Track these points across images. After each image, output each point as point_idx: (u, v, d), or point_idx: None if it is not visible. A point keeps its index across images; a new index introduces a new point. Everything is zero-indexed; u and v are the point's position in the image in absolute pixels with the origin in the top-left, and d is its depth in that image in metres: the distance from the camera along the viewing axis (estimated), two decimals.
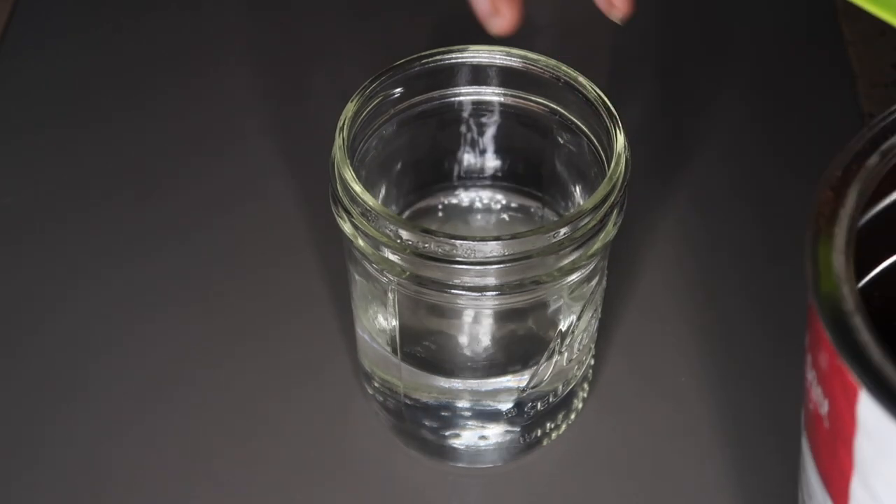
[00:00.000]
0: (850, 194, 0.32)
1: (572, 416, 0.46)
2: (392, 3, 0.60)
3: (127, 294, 0.50)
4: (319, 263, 0.51)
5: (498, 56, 0.43)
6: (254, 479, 0.45)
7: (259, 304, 0.50)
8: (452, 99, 0.44)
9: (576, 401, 0.46)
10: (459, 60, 0.43)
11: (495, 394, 0.44)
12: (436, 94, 0.44)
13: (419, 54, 0.43)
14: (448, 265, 0.38)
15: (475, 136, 0.45)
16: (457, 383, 0.43)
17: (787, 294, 0.49)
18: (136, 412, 0.47)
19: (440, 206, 0.47)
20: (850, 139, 0.34)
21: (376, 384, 0.45)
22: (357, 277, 0.42)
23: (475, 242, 0.38)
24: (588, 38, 0.59)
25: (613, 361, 0.48)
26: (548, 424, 0.45)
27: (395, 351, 0.43)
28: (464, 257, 0.38)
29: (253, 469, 0.45)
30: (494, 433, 0.45)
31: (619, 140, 0.40)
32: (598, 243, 0.40)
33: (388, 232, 0.39)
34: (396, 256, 0.39)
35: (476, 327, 0.43)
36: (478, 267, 0.38)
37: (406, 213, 0.46)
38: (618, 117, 0.41)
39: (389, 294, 0.41)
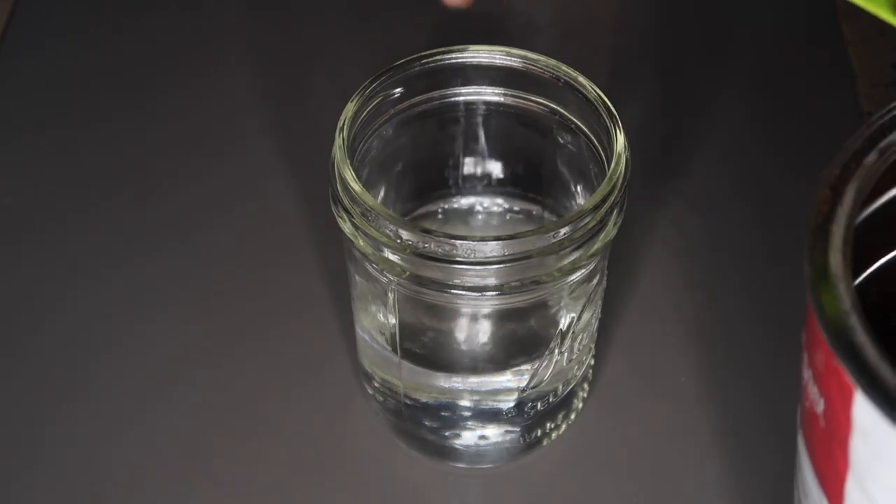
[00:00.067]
0: (847, 192, 0.32)
1: (572, 416, 0.46)
2: (392, 3, 0.60)
3: (127, 294, 0.50)
4: (319, 263, 0.51)
5: (498, 56, 0.43)
6: (254, 479, 0.45)
7: (259, 304, 0.50)
8: (452, 99, 0.44)
9: (576, 401, 0.46)
10: (459, 60, 0.43)
11: (495, 394, 0.44)
12: (436, 94, 0.44)
13: (419, 54, 0.43)
14: (448, 265, 0.38)
15: (475, 135, 0.45)
16: (457, 383, 0.43)
17: (787, 294, 0.48)
18: (136, 412, 0.47)
19: (439, 207, 0.47)
20: (848, 138, 0.34)
21: (376, 384, 0.45)
22: (357, 277, 0.42)
23: (475, 242, 0.38)
24: (588, 38, 0.59)
25: (613, 361, 0.48)
26: (548, 424, 0.45)
27: (395, 351, 0.43)
28: (464, 257, 0.38)
29: (253, 469, 0.45)
30: (494, 433, 0.45)
31: (619, 140, 0.40)
32: (598, 243, 0.40)
33: (388, 232, 0.39)
34: (396, 256, 0.39)
35: (476, 327, 0.43)
36: (478, 267, 0.38)
37: (405, 213, 0.46)
38: (618, 117, 0.41)
39: (389, 294, 0.41)
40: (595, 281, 0.42)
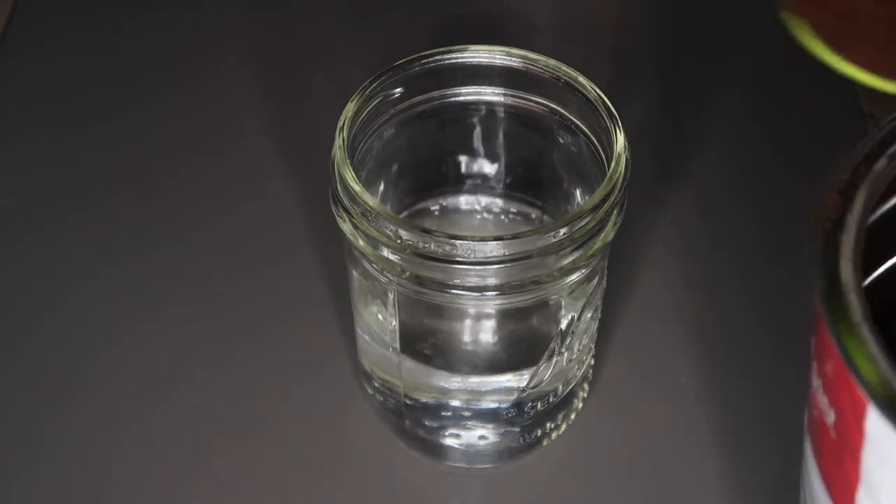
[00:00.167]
0: (858, 198, 0.32)
1: (572, 416, 0.46)
2: (392, 3, 0.60)
3: (127, 294, 0.50)
4: (319, 263, 0.51)
5: (498, 56, 0.43)
6: (254, 479, 0.45)
7: (259, 304, 0.50)
8: (452, 99, 0.44)
9: (576, 401, 0.46)
10: (459, 60, 0.43)
11: (495, 394, 0.44)
12: (436, 94, 0.44)
13: (419, 54, 0.43)
14: (448, 265, 0.38)
15: (475, 136, 0.45)
16: (456, 383, 0.43)
17: (787, 294, 0.49)
18: (136, 412, 0.47)
19: (438, 207, 0.47)
20: (855, 141, 0.33)
21: (376, 384, 0.45)
22: (357, 277, 0.42)
23: (475, 242, 0.38)
24: (588, 38, 0.59)
25: (613, 361, 0.48)
26: (548, 424, 0.45)
27: (394, 351, 0.43)
28: (464, 257, 0.38)
29: (253, 469, 0.45)
30: (494, 433, 0.45)
31: (619, 140, 0.40)
32: (598, 243, 0.40)
33: (388, 232, 0.39)
34: (396, 256, 0.39)
35: (476, 327, 0.43)
36: (478, 267, 0.38)
37: (405, 213, 0.46)
38: (618, 117, 0.41)
39: (389, 294, 0.41)
40: (595, 281, 0.42)
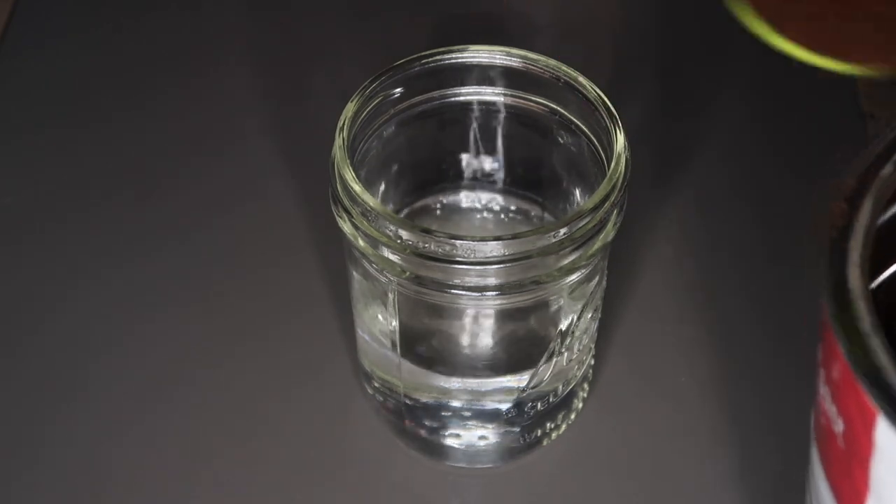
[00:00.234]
0: (864, 205, 0.31)
1: (572, 416, 0.46)
2: (392, 3, 0.60)
3: (127, 294, 0.50)
4: (319, 263, 0.51)
5: (498, 56, 0.43)
6: (254, 479, 0.45)
7: (259, 304, 0.50)
8: (452, 99, 0.44)
9: (576, 401, 0.46)
10: (459, 60, 0.43)
11: (495, 394, 0.44)
12: (436, 94, 0.44)
13: (419, 54, 0.43)
14: (448, 265, 0.38)
15: (475, 135, 0.45)
16: (457, 383, 0.43)
17: (787, 294, 0.49)
18: (136, 412, 0.47)
19: (439, 207, 0.47)
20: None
21: (376, 384, 0.45)
22: (357, 277, 0.42)
23: (475, 242, 0.38)
24: (588, 38, 0.59)
25: (613, 361, 0.48)
26: (548, 424, 0.45)
27: (395, 351, 0.43)
28: (464, 257, 0.38)
29: (253, 469, 0.45)
30: (494, 433, 0.45)
31: (619, 140, 0.40)
32: (598, 243, 0.40)
33: (388, 232, 0.39)
34: (396, 256, 0.39)
35: (476, 327, 0.43)
36: (478, 267, 0.38)
37: (406, 211, 0.46)
38: (618, 117, 0.41)
39: (389, 294, 0.41)
40: (595, 281, 0.42)
